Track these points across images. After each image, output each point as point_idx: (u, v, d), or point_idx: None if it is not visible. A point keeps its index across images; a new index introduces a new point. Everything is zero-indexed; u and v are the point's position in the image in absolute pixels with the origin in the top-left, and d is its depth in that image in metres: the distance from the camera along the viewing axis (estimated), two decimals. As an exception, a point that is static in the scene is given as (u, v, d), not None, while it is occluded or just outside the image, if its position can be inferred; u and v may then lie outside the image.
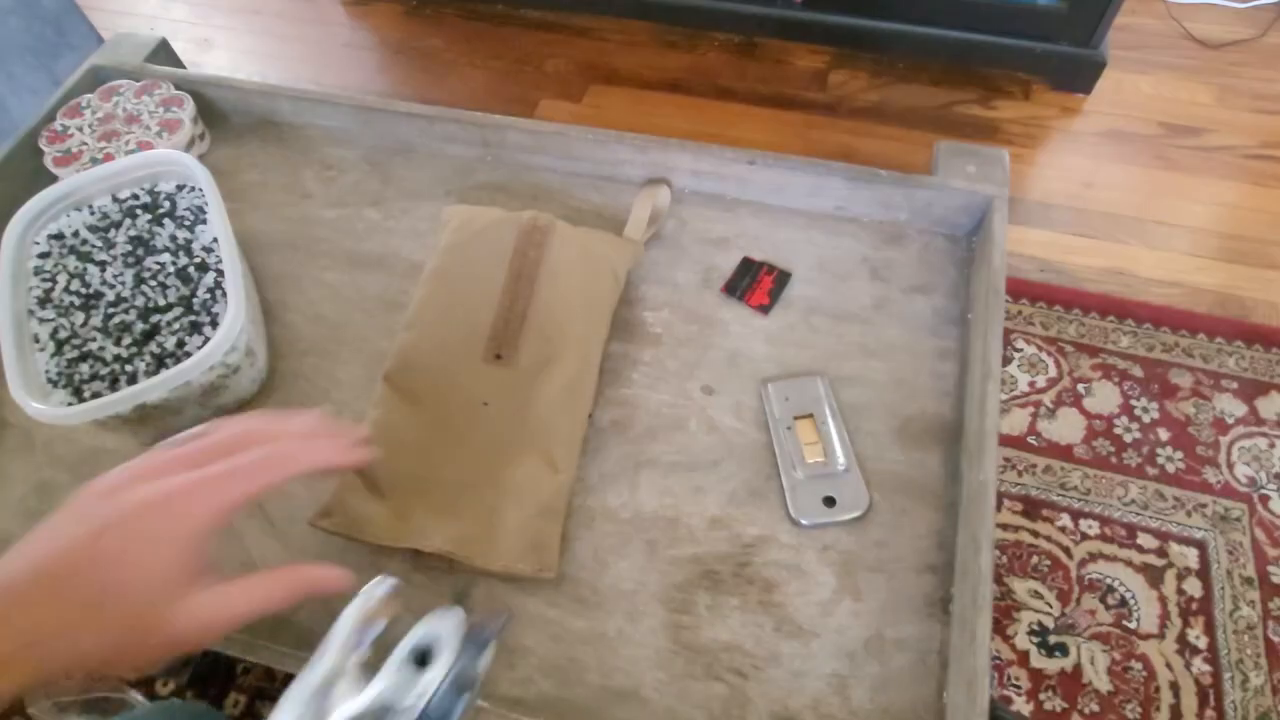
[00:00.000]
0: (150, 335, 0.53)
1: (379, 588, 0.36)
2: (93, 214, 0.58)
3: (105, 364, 0.52)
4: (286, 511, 0.51)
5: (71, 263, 0.56)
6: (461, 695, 0.33)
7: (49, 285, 0.55)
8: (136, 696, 0.90)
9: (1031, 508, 1.06)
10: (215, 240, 0.56)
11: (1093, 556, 1.03)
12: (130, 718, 0.53)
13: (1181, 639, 0.97)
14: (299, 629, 0.46)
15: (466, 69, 1.67)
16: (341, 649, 0.33)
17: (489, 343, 0.54)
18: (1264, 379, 1.15)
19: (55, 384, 0.51)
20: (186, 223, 0.58)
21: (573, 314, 0.55)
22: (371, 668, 0.34)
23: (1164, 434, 1.11)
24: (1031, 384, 1.17)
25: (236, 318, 0.50)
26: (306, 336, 0.60)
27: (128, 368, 0.52)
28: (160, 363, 0.52)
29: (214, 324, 0.53)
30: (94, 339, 0.53)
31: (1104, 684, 0.95)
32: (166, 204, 0.59)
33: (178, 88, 0.70)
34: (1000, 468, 1.09)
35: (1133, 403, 1.14)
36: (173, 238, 0.57)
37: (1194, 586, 1.00)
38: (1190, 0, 1.64)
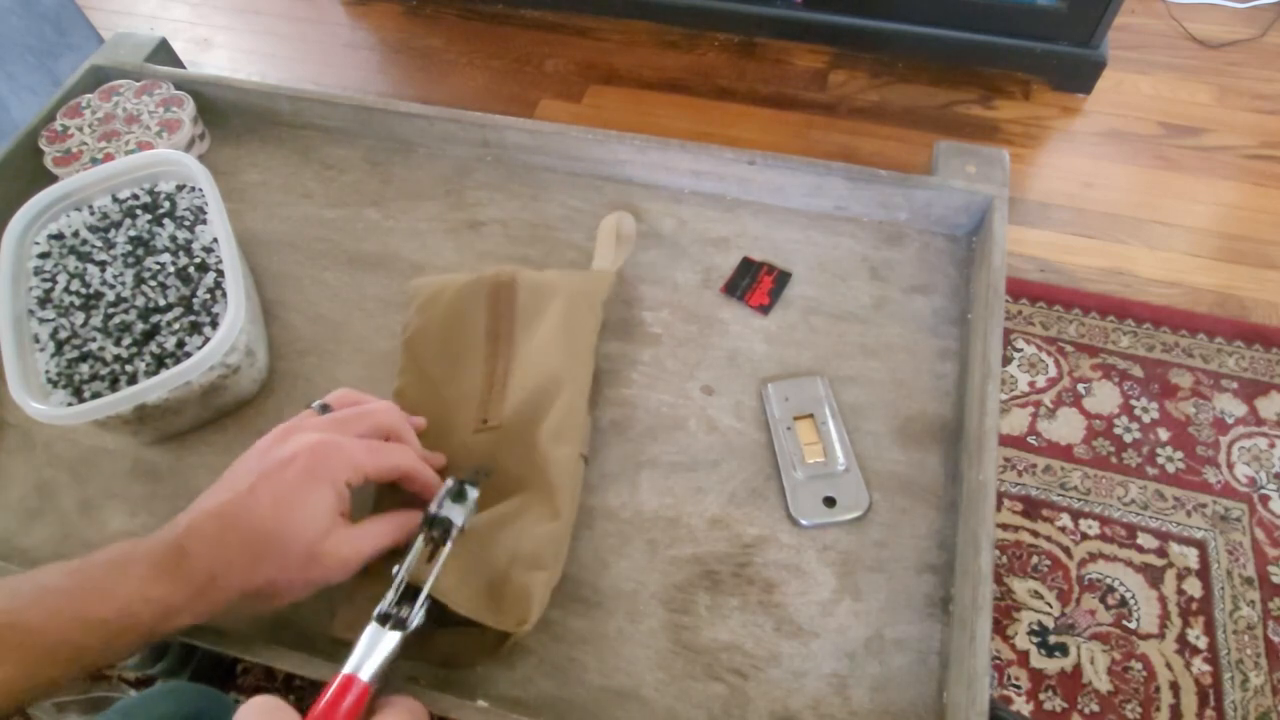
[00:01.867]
0: (150, 335, 0.53)
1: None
2: (93, 214, 0.58)
3: (105, 364, 0.52)
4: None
5: (71, 263, 0.56)
6: (457, 504, 0.43)
7: (49, 285, 0.55)
8: (135, 695, 0.90)
9: (1031, 508, 1.07)
10: (215, 240, 0.56)
11: (1093, 556, 1.03)
12: (138, 699, 0.53)
13: (1181, 639, 0.97)
14: (299, 629, 0.46)
15: (466, 69, 1.67)
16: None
17: (475, 413, 0.52)
18: (1264, 379, 1.15)
19: (55, 384, 0.51)
20: (186, 223, 0.58)
21: (553, 360, 0.53)
22: None
23: (1164, 434, 1.11)
24: (1031, 384, 1.17)
25: (236, 318, 0.50)
26: (306, 336, 0.60)
27: (128, 368, 0.52)
28: (160, 363, 0.52)
29: (214, 324, 0.53)
30: (94, 339, 0.53)
31: (1104, 684, 0.95)
32: (166, 204, 0.59)
33: (178, 88, 0.70)
34: (1000, 468, 1.09)
35: (1133, 403, 1.14)
36: (173, 238, 0.57)
37: (1194, 586, 1.00)
38: (1190, 0, 1.64)
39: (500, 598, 0.43)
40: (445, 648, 0.44)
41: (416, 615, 0.39)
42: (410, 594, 0.40)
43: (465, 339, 0.55)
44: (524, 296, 0.56)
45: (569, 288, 0.56)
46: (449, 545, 0.42)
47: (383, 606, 0.39)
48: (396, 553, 0.43)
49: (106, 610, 0.36)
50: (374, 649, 0.37)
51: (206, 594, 0.38)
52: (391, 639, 0.38)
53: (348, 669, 0.36)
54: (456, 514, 0.43)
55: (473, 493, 0.44)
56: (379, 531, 0.43)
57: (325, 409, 0.45)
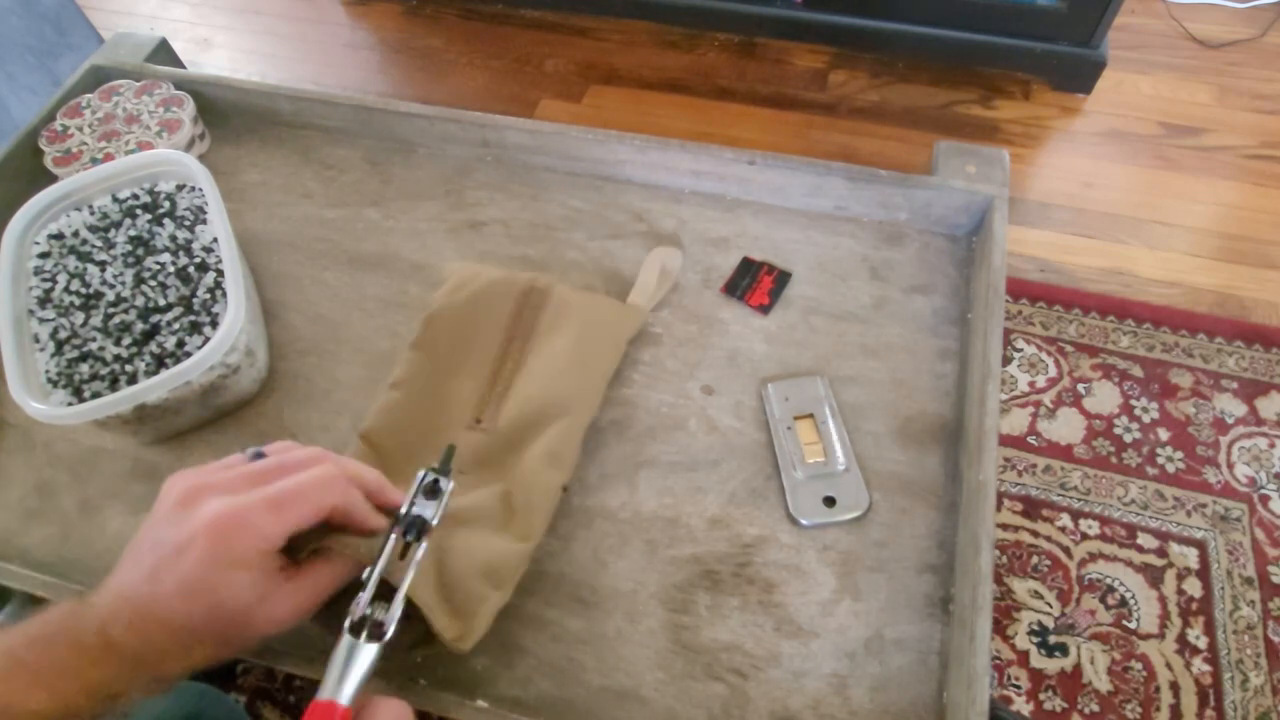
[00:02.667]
0: (150, 335, 0.53)
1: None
2: (93, 214, 0.58)
3: (105, 364, 0.52)
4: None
5: (71, 263, 0.56)
6: (431, 500, 0.40)
7: (49, 285, 0.55)
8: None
9: (1031, 508, 1.07)
10: (215, 240, 0.56)
11: (1093, 556, 1.03)
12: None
13: (1181, 639, 0.97)
14: (298, 629, 0.46)
15: (466, 69, 1.67)
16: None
17: (473, 409, 0.52)
18: (1264, 379, 1.15)
19: (55, 384, 0.51)
20: (186, 223, 0.58)
21: (562, 382, 0.52)
22: None
23: (1164, 434, 1.11)
24: (1031, 384, 1.17)
25: (236, 318, 0.50)
26: (306, 336, 0.60)
27: (128, 368, 0.52)
28: (160, 363, 0.52)
29: (214, 324, 0.53)
30: (94, 339, 0.53)
31: (1104, 684, 0.95)
32: (166, 204, 0.59)
33: (178, 88, 0.70)
34: (1000, 468, 1.09)
35: (1133, 403, 1.14)
36: (173, 238, 0.57)
37: (1194, 586, 1.00)
38: (1190, 0, 1.64)
39: (450, 600, 0.42)
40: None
41: (393, 621, 0.37)
42: (381, 594, 0.38)
43: (481, 331, 0.54)
44: (552, 309, 0.55)
45: (598, 316, 0.55)
46: (424, 544, 0.39)
47: (355, 613, 0.36)
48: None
49: (40, 700, 0.33)
50: (350, 666, 0.35)
51: (146, 675, 0.35)
52: (369, 652, 0.35)
53: (324, 694, 0.34)
54: (429, 510, 0.40)
55: (447, 486, 0.41)
56: (321, 579, 0.39)
57: (259, 457, 0.40)
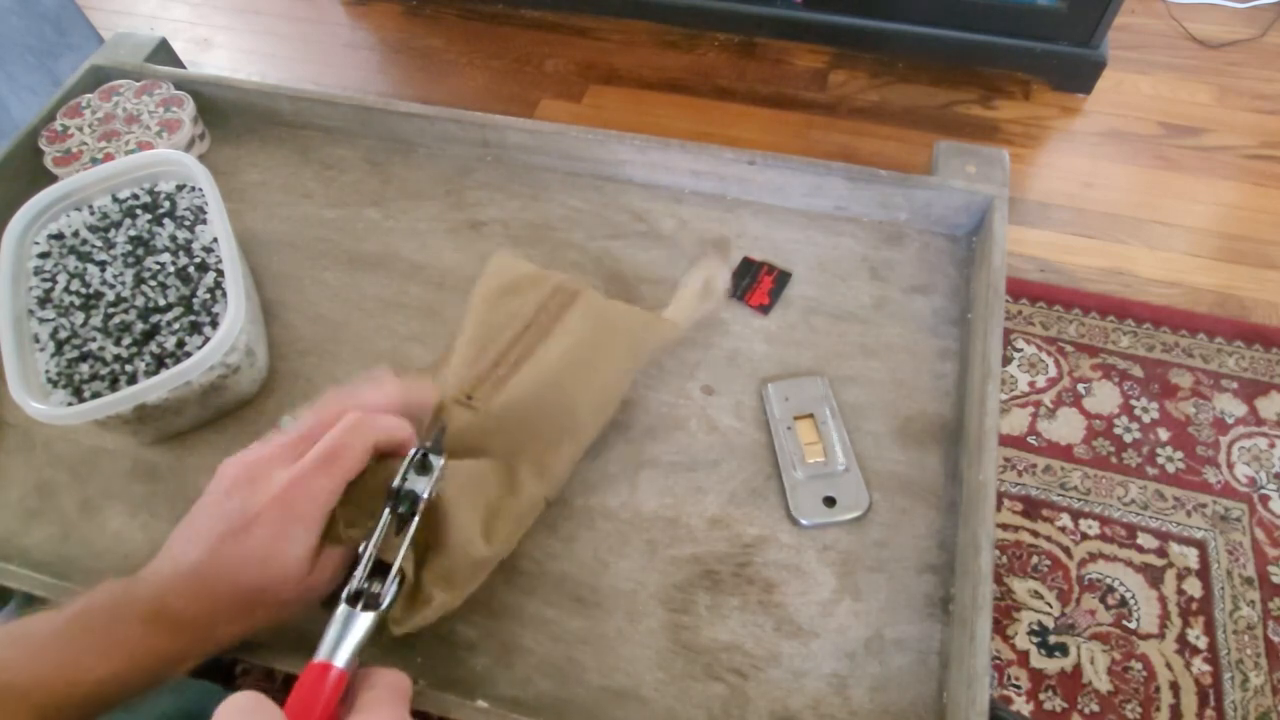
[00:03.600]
0: (150, 335, 0.53)
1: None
2: (93, 214, 0.58)
3: (105, 364, 0.52)
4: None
5: (71, 263, 0.56)
6: (423, 475, 0.41)
7: (49, 285, 0.55)
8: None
9: (1031, 508, 1.07)
10: (215, 240, 0.56)
11: (1093, 556, 1.03)
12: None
13: (1181, 639, 0.97)
14: (299, 629, 0.46)
15: (466, 69, 1.67)
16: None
17: (468, 385, 0.50)
18: (1264, 379, 1.15)
19: (55, 384, 0.51)
20: (186, 223, 0.58)
21: (568, 379, 0.50)
22: None
23: (1164, 434, 1.11)
24: (1031, 384, 1.17)
25: (236, 318, 0.50)
26: (306, 336, 0.60)
27: (128, 368, 0.52)
28: (160, 363, 0.52)
29: (214, 324, 0.53)
30: (94, 339, 0.53)
31: (1104, 684, 0.95)
32: (166, 204, 0.59)
33: (178, 88, 0.70)
34: (1000, 468, 1.09)
35: (1133, 403, 1.14)
36: (173, 238, 0.57)
37: (1194, 586, 1.00)
38: (1190, 0, 1.64)
39: (405, 593, 0.42)
40: None
41: (389, 592, 0.38)
42: (378, 569, 0.39)
43: (500, 316, 0.53)
44: (578, 310, 0.53)
45: (624, 323, 0.54)
46: (416, 519, 0.40)
47: (352, 585, 0.38)
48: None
49: (104, 669, 0.35)
50: (347, 632, 0.36)
51: (205, 641, 0.38)
52: (364, 620, 0.37)
53: (320, 655, 0.35)
54: (422, 485, 0.41)
55: (438, 462, 0.42)
56: (336, 554, 0.41)
57: (289, 423, 0.42)
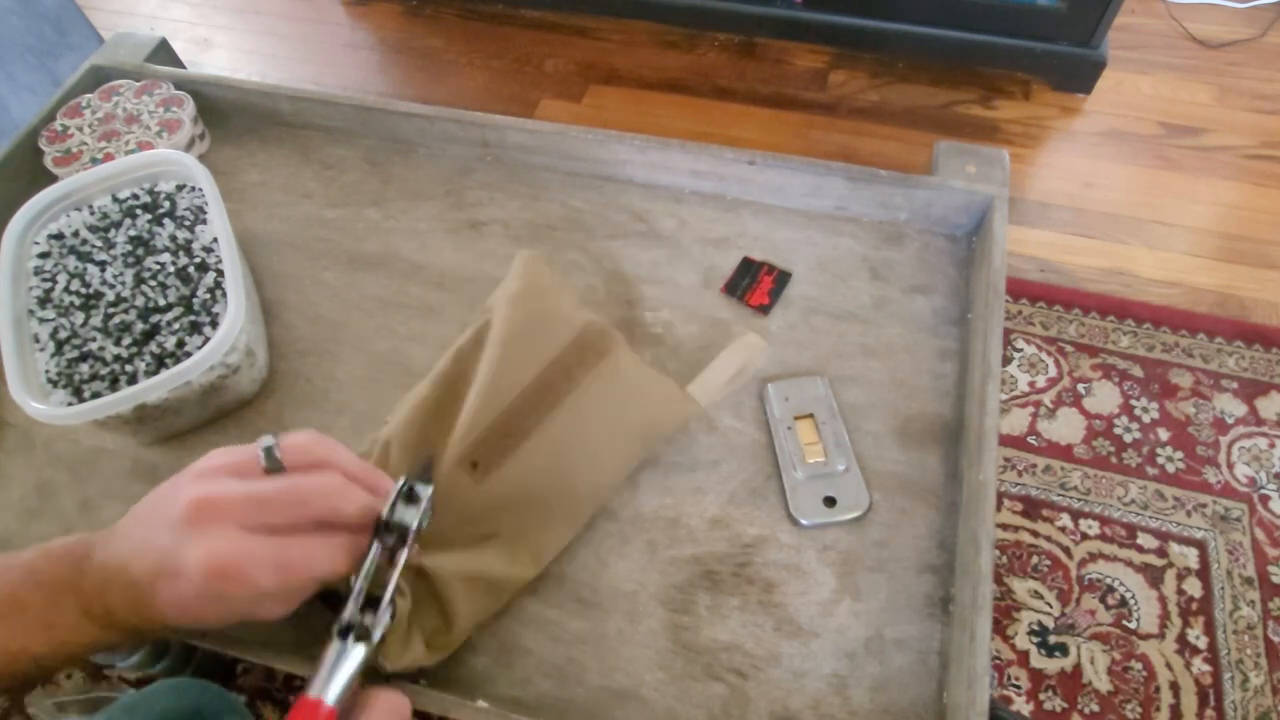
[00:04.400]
0: (150, 335, 0.53)
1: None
2: (93, 214, 0.58)
3: (105, 364, 0.52)
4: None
5: (71, 263, 0.56)
6: (411, 505, 0.40)
7: (49, 285, 0.55)
8: (138, 691, 0.90)
9: (1031, 508, 1.07)
10: (215, 240, 0.56)
11: (1093, 556, 1.03)
12: (141, 695, 0.53)
13: (1181, 639, 0.97)
14: (299, 629, 0.46)
15: (466, 69, 1.67)
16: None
17: (472, 446, 0.46)
18: (1264, 379, 1.15)
19: (55, 384, 0.51)
20: (186, 223, 0.58)
21: (582, 462, 0.48)
22: None
23: (1164, 434, 1.11)
24: (1031, 384, 1.17)
25: (236, 318, 0.50)
26: (306, 336, 0.60)
27: (128, 368, 0.52)
28: (160, 363, 0.52)
29: (214, 324, 0.53)
30: (94, 339, 0.53)
31: (1104, 684, 0.95)
32: (166, 204, 0.59)
33: (178, 87, 0.70)
34: (1000, 468, 1.09)
35: (1133, 403, 1.14)
36: (173, 238, 0.57)
37: (1194, 586, 1.00)
38: (1190, 0, 1.64)
39: (397, 628, 0.42)
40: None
41: (380, 624, 0.38)
42: (369, 602, 0.39)
43: (521, 356, 0.49)
44: (604, 372, 0.49)
45: (649, 399, 0.50)
46: (407, 549, 0.39)
47: (344, 619, 0.37)
48: None
49: (42, 644, 0.36)
50: (339, 666, 0.36)
51: (147, 637, 0.38)
52: (356, 654, 0.36)
53: (312, 691, 0.35)
54: (411, 515, 0.40)
55: (425, 491, 0.41)
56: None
57: (271, 458, 0.38)
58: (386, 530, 0.40)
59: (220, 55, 1.77)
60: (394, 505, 0.40)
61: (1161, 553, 1.03)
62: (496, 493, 0.46)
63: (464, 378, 0.49)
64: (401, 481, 0.41)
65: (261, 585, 0.36)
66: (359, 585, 0.38)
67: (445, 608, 0.44)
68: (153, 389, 0.48)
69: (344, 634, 0.37)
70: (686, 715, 0.44)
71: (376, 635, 0.37)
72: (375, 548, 0.39)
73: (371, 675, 0.38)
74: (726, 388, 0.54)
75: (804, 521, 0.49)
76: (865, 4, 1.49)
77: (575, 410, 0.48)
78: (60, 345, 0.52)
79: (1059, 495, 1.07)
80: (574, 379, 0.49)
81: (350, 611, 0.37)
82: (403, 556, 0.39)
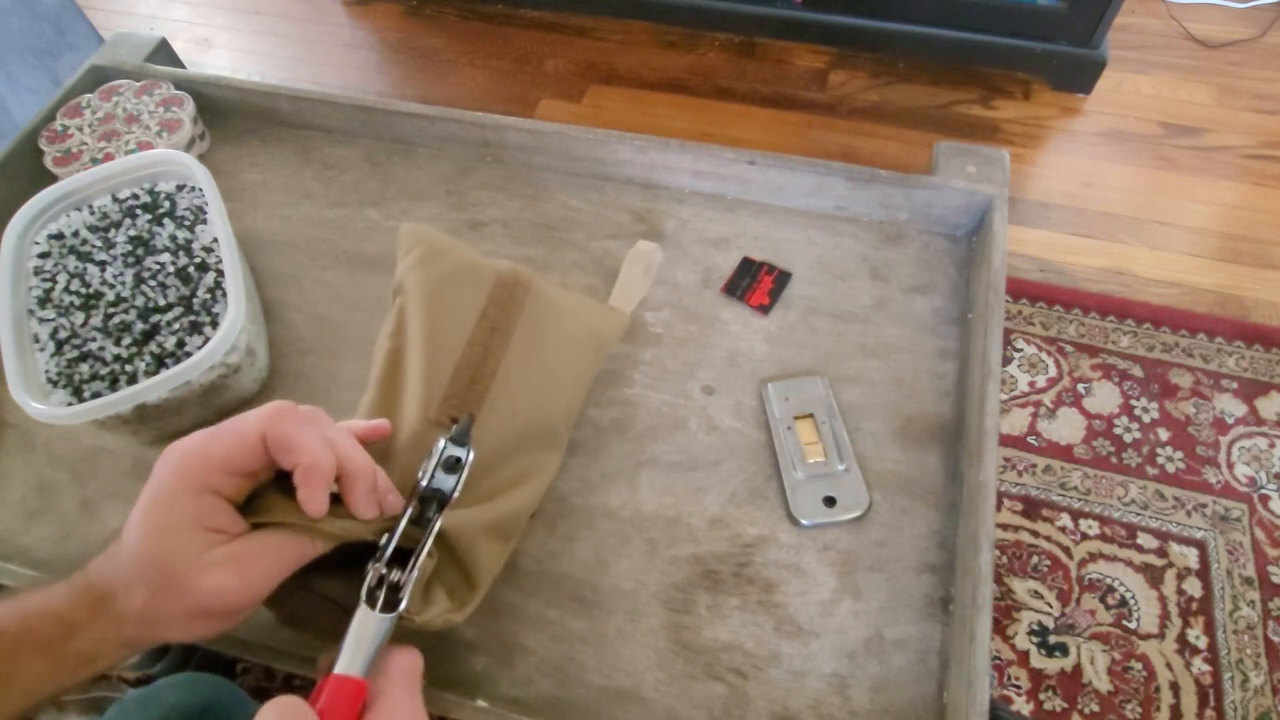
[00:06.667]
0: (150, 335, 0.53)
1: None
2: (93, 214, 0.58)
3: (105, 364, 0.52)
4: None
5: (71, 263, 0.56)
6: (451, 473, 0.40)
7: (49, 285, 0.55)
8: (148, 686, 0.90)
9: (1031, 508, 1.07)
10: (215, 240, 0.56)
11: (1093, 556, 1.03)
12: (151, 690, 0.53)
13: (1181, 639, 0.97)
14: (298, 628, 0.46)
15: (466, 69, 1.67)
16: None
17: (442, 403, 0.45)
18: (1264, 379, 1.15)
19: (55, 384, 0.51)
20: (186, 223, 0.58)
21: (547, 403, 0.48)
22: None
23: (1164, 434, 1.11)
24: (1031, 384, 1.17)
25: (236, 318, 0.50)
26: (307, 336, 0.60)
27: (128, 368, 0.52)
28: (160, 363, 0.52)
29: (214, 324, 0.53)
30: (94, 339, 0.53)
31: (1104, 684, 0.95)
32: (166, 204, 0.59)
33: (178, 87, 0.70)
34: (1000, 468, 1.09)
35: (1133, 403, 1.14)
36: (173, 238, 0.57)
37: (1194, 586, 1.00)
38: (1190, 0, 1.64)
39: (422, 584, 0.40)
40: (297, 606, 0.40)
41: (407, 592, 0.37)
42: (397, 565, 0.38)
43: (452, 316, 0.49)
44: (531, 308, 0.50)
45: (582, 323, 0.52)
46: (439, 518, 0.39)
47: (369, 582, 0.36)
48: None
49: (50, 684, 0.35)
50: (365, 635, 0.35)
51: (157, 641, 0.37)
52: (383, 622, 0.36)
53: (339, 668, 0.35)
54: (449, 483, 0.40)
55: (468, 458, 0.40)
56: (267, 552, 0.36)
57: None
58: (423, 501, 0.39)
59: (220, 55, 1.77)
60: (433, 472, 0.39)
61: (1161, 553, 1.03)
62: (483, 442, 0.44)
63: (402, 354, 0.49)
64: (442, 445, 0.40)
65: (216, 454, 0.36)
66: (389, 550, 0.37)
67: (466, 565, 0.43)
68: (153, 389, 0.48)
69: (370, 601, 0.36)
70: (686, 715, 0.44)
71: (404, 602, 0.37)
72: (409, 512, 0.39)
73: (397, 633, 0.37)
74: (640, 292, 0.58)
75: (804, 521, 0.49)
76: (865, 4, 1.49)
77: (525, 343, 0.49)
78: (60, 345, 0.52)
79: (1059, 495, 1.07)
80: (512, 315, 0.49)
81: (372, 577, 0.37)
82: (435, 525, 0.39)
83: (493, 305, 0.49)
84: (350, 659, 0.35)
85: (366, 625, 0.36)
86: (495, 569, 0.45)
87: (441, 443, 0.40)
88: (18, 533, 0.53)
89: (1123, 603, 1.00)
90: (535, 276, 0.52)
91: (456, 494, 0.40)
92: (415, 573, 0.37)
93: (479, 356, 0.47)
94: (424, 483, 0.39)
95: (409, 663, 0.36)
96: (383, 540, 0.38)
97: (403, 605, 0.37)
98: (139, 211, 0.58)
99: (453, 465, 0.40)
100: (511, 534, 0.46)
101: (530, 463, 0.47)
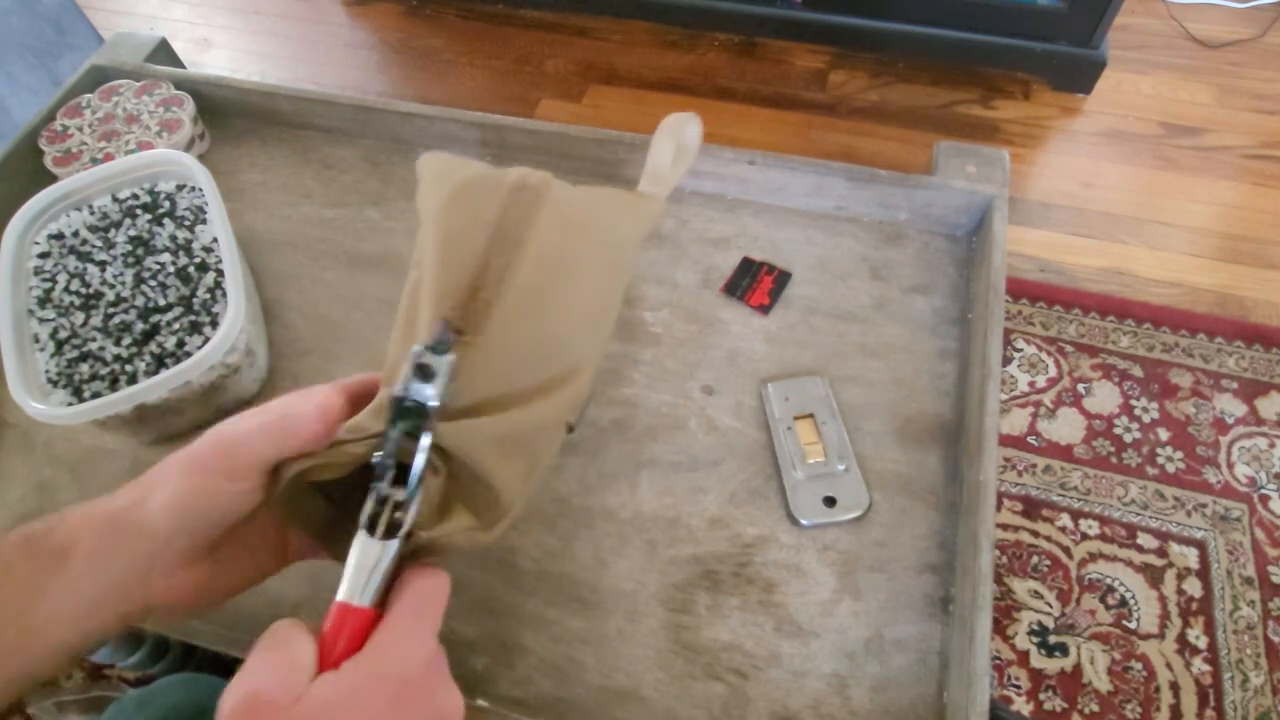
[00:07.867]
0: (150, 335, 0.53)
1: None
2: (93, 214, 0.58)
3: (105, 364, 0.52)
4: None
5: (71, 263, 0.56)
6: (427, 381, 0.36)
7: (49, 285, 0.55)
8: (149, 686, 0.90)
9: (1031, 508, 1.07)
10: (215, 240, 0.56)
11: (1093, 556, 1.03)
12: (152, 689, 0.53)
13: (1181, 639, 0.97)
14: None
15: (466, 69, 1.67)
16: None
17: (449, 313, 0.41)
18: (1264, 379, 1.15)
19: (55, 384, 0.51)
20: (186, 223, 0.58)
21: (571, 295, 0.44)
22: None
23: (1164, 434, 1.11)
24: (1031, 384, 1.17)
25: (236, 318, 0.50)
26: (307, 336, 0.60)
27: (128, 368, 0.52)
28: (160, 363, 0.52)
29: (214, 324, 0.53)
30: (94, 339, 0.53)
31: (1104, 684, 0.95)
32: (166, 204, 0.59)
33: (178, 87, 0.70)
34: (1000, 468, 1.09)
35: (1133, 403, 1.14)
36: (173, 238, 0.57)
37: (1194, 586, 1.00)
38: (1190, 0, 1.64)
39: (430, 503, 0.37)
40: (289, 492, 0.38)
41: (411, 511, 0.34)
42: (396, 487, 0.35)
43: (458, 232, 0.45)
44: (549, 211, 0.45)
45: (607, 216, 0.47)
46: (428, 431, 0.35)
47: (368, 508, 0.34)
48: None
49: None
50: (364, 562, 0.33)
51: None
52: (388, 550, 0.33)
53: (340, 595, 0.33)
54: (429, 393, 0.36)
55: (441, 363, 0.36)
56: (235, 571, 0.37)
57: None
58: (401, 414, 0.35)
59: (220, 55, 1.77)
60: (407, 384, 0.36)
61: (1161, 553, 1.03)
62: (495, 349, 0.41)
63: (422, 281, 0.45)
64: (416, 350, 0.36)
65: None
66: (382, 466, 0.35)
67: (482, 476, 0.39)
68: (153, 389, 0.48)
69: (371, 528, 0.33)
70: (686, 715, 0.44)
71: (408, 523, 0.34)
72: (395, 431, 0.35)
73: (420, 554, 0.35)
74: (675, 176, 0.52)
75: (804, 521, 0.49)
76: (865, 4, 1.49)
77: (543, 250, 0.44)
78: (60, 345, 0.52)
79: (1059, 495, 1.07)
80: (525, 220, 0.44)
81: (373, 501, 0.34)
82: (426, 437, 0.35)
83: (508, 214, 0.45)
84: (351, 586, 0.33)
85: (368, 553, 0.33)
86: (521, 488, 0.41)
87: (417, 347, 0.36)
88: (18, 533, 0.53)
89: (1123, 603, 1.00)
90: (550, 176, 0.47)
91: (435, 403, 0.36)
92: (417, 489, 0.34)
93: (484, 265, 0.43)
94: (399, 392, 0.35)
95: (423, 585, 0.33)
96: (375, 457, 0.35)
97: (407, 524, 0.34)
98: (139, 211, 0.58)
99: (426, 372, 0.36)
100: (535, 449, 0.42)
101: (553, 375, 0.43)
